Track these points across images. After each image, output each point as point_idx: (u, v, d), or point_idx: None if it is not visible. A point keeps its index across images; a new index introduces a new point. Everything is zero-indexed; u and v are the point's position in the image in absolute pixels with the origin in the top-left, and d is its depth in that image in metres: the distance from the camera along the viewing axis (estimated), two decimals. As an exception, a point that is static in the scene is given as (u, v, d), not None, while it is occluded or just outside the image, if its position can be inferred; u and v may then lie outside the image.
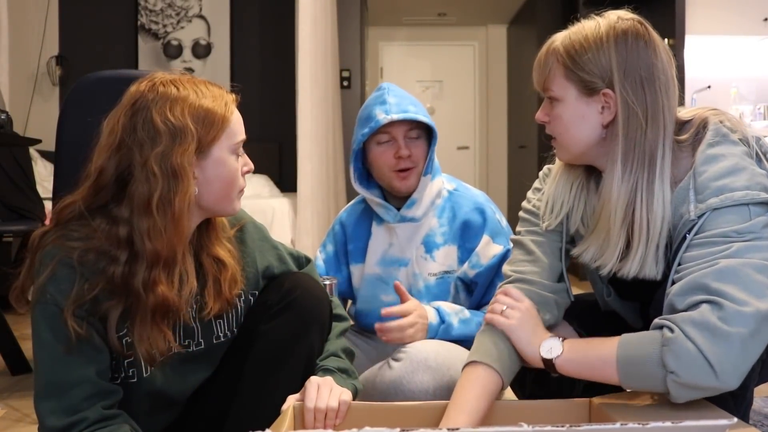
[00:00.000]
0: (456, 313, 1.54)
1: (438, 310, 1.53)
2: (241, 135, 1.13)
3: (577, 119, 1.14)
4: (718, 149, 1.08)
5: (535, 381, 1.28)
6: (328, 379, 1.16)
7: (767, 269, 0.98)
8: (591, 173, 1.22)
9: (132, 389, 1.09)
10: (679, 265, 1.05)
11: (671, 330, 0.97)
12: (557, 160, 1.26)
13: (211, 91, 1.10)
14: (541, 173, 1.33)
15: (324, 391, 1.12)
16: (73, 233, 1.04)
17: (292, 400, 1.13)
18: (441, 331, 1.51)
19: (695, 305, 0.98)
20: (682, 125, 1.15)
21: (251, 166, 1.17)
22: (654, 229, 1.08)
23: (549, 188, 1.25)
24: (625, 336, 1.03)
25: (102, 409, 1.01)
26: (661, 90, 1.10)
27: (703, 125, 1.12)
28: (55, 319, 1.00)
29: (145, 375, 1.10)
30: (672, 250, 1.09)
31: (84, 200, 1.06)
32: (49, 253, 1.03)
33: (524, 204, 1.33)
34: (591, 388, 1.26)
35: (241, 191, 1.15)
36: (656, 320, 1.02)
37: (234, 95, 1.15)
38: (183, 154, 1.03)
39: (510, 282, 1.25)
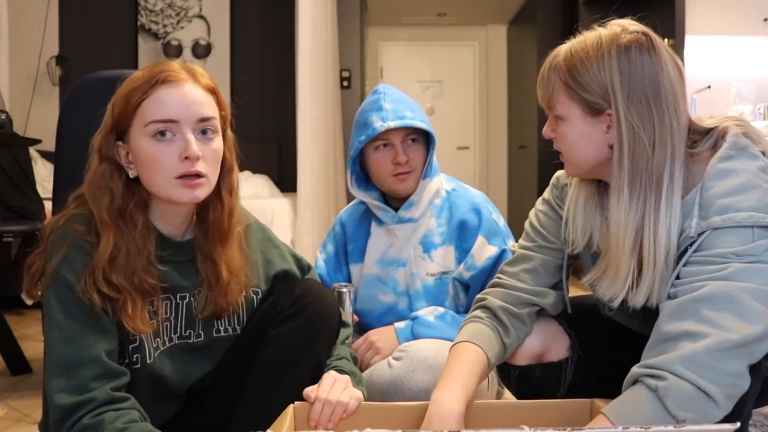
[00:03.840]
0: (431, 311, 1.56)
1: (410, 317, 1.58)
2: (156, 116, 1.06)
3: (583, 139, 1.10)
4: (731, 163, 1.02)
5: (519, 378, 1.28)
6: (346, 377, 1.18)
7: (763, 295, 0.96)
8: (605, 188, 1.17)
9: (135, 375, 1.10)
10: (677, 278, 1.02)
11: (662, 378, 0.94)
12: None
13: (149, 72, 1.09)
14: (553, 180, 1.30)
15: (339, 386, 1.14)
16: (79, 217, 1.08)
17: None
18: (415, 325, 1.54)
19: (679, 337, 0.96)
20: (703, 134, 1.10)
21: (191, 151, 1.06)
22: (660, 257, 1.04)
23: (568, 209, 1.21)
24: (611, 409, 0.97)
25: (111, 391, 1.02)
26: (668, 110, 1.05)
27: (722, 135, 1.07)
28: (67, 300, 1.04)
29: (148, 361, 1.12)
30: (674, 262, 1.06)
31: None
32: (62, 235, 1.07)
33: (530, 216, 1.31)
34: (575, 388, 1.27)
35: (183, 177, 1.07)
36: (634, 369, 0.99)
37: (185, 77, 1.10)
38: (98, 136, 1.11)
39: (489, 286, 1.30)
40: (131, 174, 1.11)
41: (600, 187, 1.18)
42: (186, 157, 1.07)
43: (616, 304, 1.11)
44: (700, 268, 0.99)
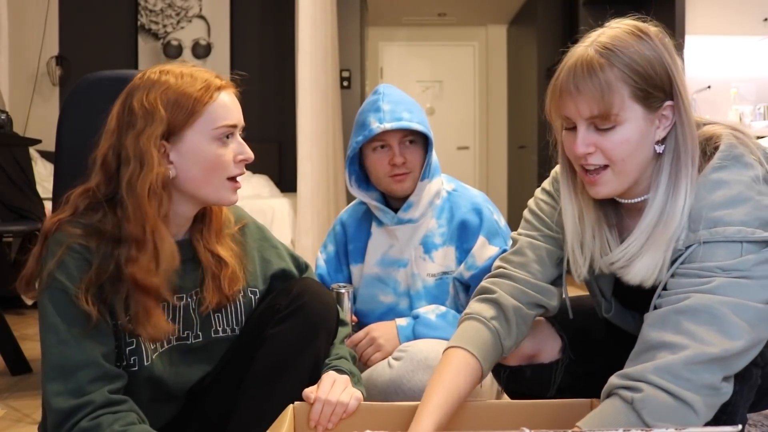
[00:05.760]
0: (432, 310, 1.56)
1: (411, 314, 1.57)
2: (225, 120, 1.12)
3: (642, 140, 1.03)
4: (724, 174, 1.01)
5: (510, 378, 1.28)
6: (346, 377, 1.18)
7: (745, 310, 0.94)
8: (612, 207, 1.14)
9: (133, 378, 1.10)
10: (664, 289, 1.02)
11: (638, 390, 0.93)
12: (562, 197, 1.16)
13: (198, 77, 1.12)
14: (553, 173, 1.26)
15: (338, 386, 1.15)
16: (80, 219, 1.08)
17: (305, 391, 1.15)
18: (417, 325, 1.53)
19: (658, 347, 0.95)
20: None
21: (248, 154, 1.16)
22: (673, 238, 1.02)
23: (568, 233, 1.16)
24: (587, 423, 0.95)
25: (108, 393, 1.02)
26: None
27: (715, 143, 1.05)
28: (62, 303, 1.03)
29: (146, 363, 1.11)
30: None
31: (98, 186, 1.10)
32: (57, 239, 1.06)
33: (531, 204, 1.27)
34: (565, 390, 1.27)
35: (232, 179, 1.15)
36: (611, 380, 0.97)
37: (231, 84, 1.17)
38: (149, 137, 1.07)
39: (493, 276, 1.24)
40: (171, 174, 1.11)
41: (607, 208, 1.14)
42: (241, 160, 1.14)
43: (617, 267, 1.08)
44: (685, 281, 0.98)
